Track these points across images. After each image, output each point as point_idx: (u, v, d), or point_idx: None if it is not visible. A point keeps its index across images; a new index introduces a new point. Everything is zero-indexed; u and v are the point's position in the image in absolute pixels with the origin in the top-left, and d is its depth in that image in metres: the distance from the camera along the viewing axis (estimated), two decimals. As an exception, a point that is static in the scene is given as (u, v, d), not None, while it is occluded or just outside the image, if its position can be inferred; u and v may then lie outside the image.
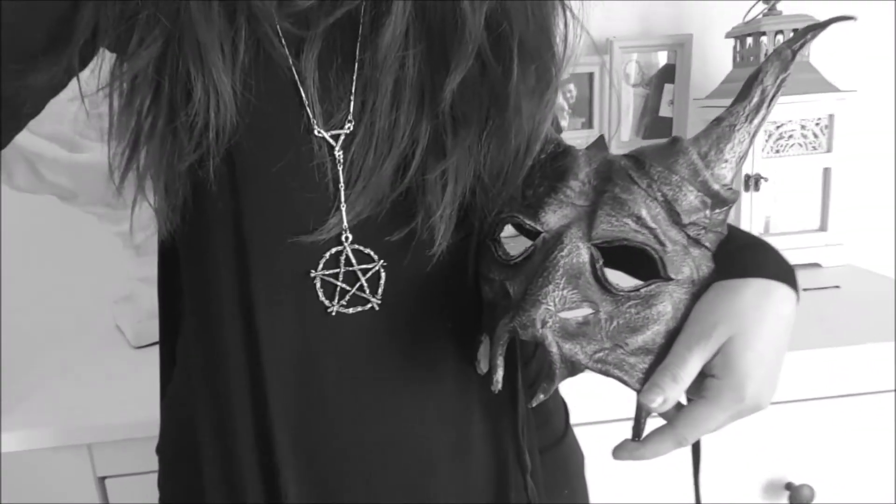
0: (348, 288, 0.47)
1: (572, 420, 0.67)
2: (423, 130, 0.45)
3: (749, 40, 1.21)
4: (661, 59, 1.34)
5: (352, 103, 0.45)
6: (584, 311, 0.45)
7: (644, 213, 0.46)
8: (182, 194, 0.45)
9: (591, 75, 1.32)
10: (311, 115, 0.44)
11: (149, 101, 0.42)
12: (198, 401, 0.50)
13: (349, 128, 0.45)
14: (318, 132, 0.45)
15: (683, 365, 0.43)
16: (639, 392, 0.44)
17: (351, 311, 0.47)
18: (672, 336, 0.45)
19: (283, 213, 0.46)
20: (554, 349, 0.43)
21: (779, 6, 1.17)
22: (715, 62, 1.35)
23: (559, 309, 0.44)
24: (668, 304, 0.46)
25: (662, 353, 0.45)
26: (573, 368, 0.44)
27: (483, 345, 0.51)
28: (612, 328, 0.45)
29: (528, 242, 0.48)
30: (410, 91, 0.45)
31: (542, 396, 0.45)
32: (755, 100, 0.47)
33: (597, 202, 0.47)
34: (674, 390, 0.43)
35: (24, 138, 0.90)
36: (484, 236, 0.50)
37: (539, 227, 0.48)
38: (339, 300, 0.47)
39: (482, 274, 0.51)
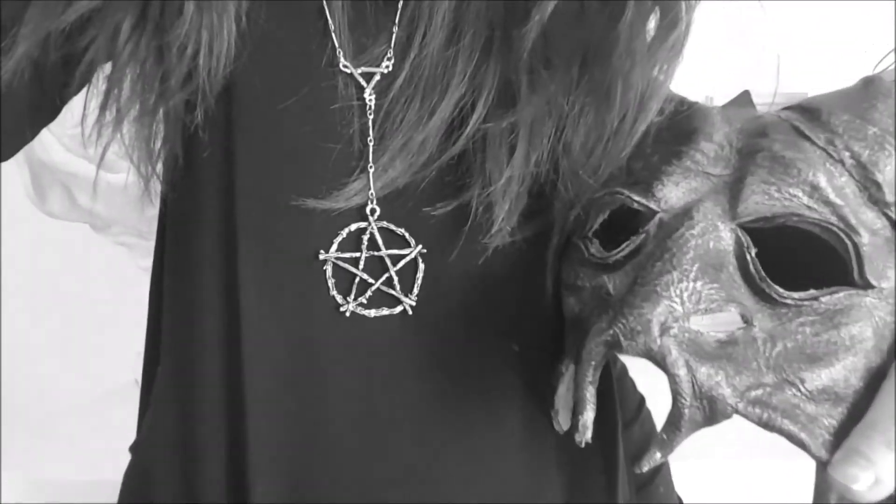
0: (371, 280, 0.37)
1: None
2: (489, 76, 0.36)
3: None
4: (772, 120, 1.19)
5: (394, 35, 0.37)
6: (729, 322, 0.30)
7: (822, 180, 0.31)
8: (171, 149, 0.37)
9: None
10: (336, 45, 0.36)
11: (130, 22, 0.35)
12: (161, 434, 0.40)
13: (388, 66, 0.36)
14: (345, 66, 0.36)
15: None
16: (826, 463, 0.28)
17: (373, 313, 0.37)
18: (877, 377, 0.30)
19: (286, 165, 0.36)
20: (682, 371, 0.27)
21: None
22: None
23: (689, 310, 0.29)
24: (866, 326, 0.30)
25: (863, 403, 0.29)
26: (713, 410, 0.28)
27: (563, 382, 0.36)
28: (776, 354, 0.30)
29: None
30: (475, 23, 0.36)
31: (658, 456, 0.29)
32: None
33: (744, 168, 0.33)
34: (890, 464, 0.26)
35: (59, 157, 0.84)
36: (570, 232, 0.38)
37: (653, 205, 0.34)
38: (358, 296, 0.37)
39: (566, 283, 0.37)
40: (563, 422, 0.37)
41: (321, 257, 0.36)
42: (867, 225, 0.31)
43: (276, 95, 0.35)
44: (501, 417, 0.38)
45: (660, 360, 0.28)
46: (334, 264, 0.36)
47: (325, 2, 0.36)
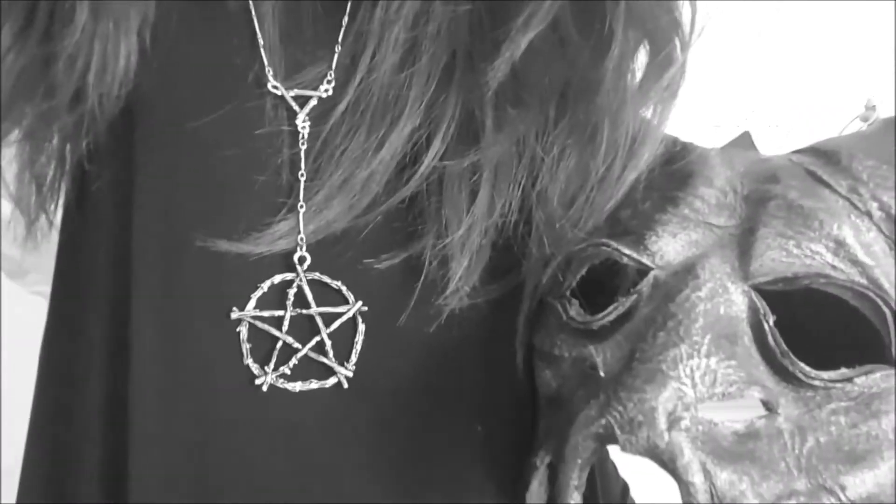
0: (297, 345, 0.31)
1: None
2: (449, 106, 0.32)
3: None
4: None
5: (336, 54, 0.33)
6: (749, 410, 0.25)
7: (849, 235, 0.27)
8: (59, 182, 0.34)
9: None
10: (265, 62, 0.32)
11: (12, 28, 0.31)
12: None
13: (327, 90, 0.33)
14: (274, 87, 0.32)
15: None
16: None
17: (298, 386, 0.31)
18: None
19: (195, 197, 0.32)
20: (697, 478, 0.22)
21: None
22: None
23: (703, 395, 0.24)
24: None
25: None
26: None
27: (536, 477, 0.30)
28: (808, 451, 0.25)
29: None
30: (434, 44, 0.32)
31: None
32: None
33: (755, 219, 0.29)
34: None
35: (-30, 193, 0.76)
36: (545, 293, 0.33)
37: (646, 261, 0.29)
38: (279, 365, 0.31)
39: (540, 351, 0.33)
40: None
41: (234, 316, 0.31)
42: (903, 289, 0.27)
43: (188, 116, 0.31)
44: None
45: (668, 462, 0.22)
46: (251, 325, 0.31)
47: (252, 9, 0.32)
